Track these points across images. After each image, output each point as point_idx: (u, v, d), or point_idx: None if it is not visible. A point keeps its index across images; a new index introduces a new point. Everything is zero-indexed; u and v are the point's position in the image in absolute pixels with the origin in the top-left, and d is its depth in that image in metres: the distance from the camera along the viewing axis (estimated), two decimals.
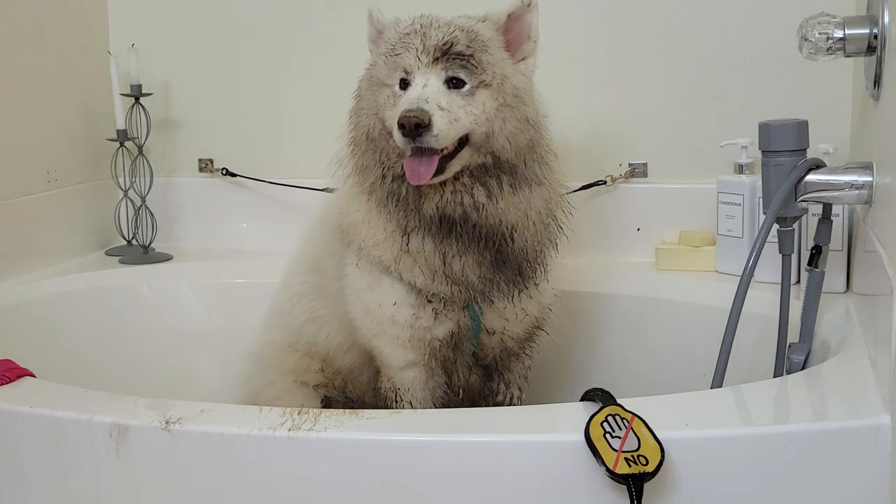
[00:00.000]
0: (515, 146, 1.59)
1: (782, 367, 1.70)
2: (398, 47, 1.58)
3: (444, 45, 1.54)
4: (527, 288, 1.69)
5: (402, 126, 1.47)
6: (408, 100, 1.51)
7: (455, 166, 1.56)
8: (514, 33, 1.64)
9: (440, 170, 1.53)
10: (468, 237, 1.60)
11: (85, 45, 2.60)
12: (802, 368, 1.64)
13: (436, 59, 1.54)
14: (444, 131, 1.49)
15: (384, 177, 1.62)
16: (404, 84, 1.58)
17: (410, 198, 1.60)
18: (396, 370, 1.74)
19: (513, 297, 1.68)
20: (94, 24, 2.65)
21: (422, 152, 1.51)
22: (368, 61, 1.70)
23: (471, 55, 1.55)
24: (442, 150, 1.52)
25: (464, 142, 1.55)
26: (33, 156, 2.38)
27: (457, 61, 1.55)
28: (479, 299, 1.66)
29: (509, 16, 1.62)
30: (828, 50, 1.55)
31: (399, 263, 1.65)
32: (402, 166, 1.57)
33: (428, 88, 1.52)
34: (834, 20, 1.54)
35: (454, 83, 1.55)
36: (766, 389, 1.42)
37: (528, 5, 1.62)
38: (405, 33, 1.59)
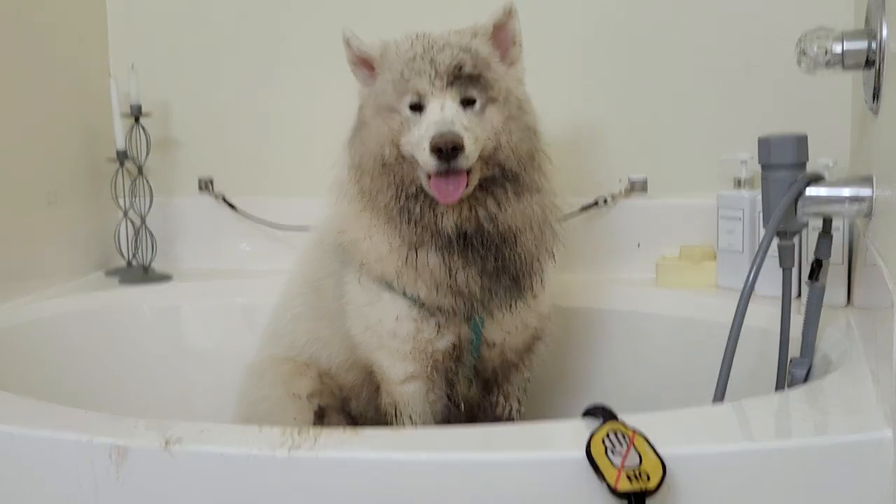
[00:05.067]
0: (518, 155, 1.62)
1: (784, 381, 1.69)
2: (407, 72, 1.59)
3: (455, 69, 1.57)
4: (524, 296, 1.70)
5: (437, 150, 1.49)
6: (434, 123, 1.53)
7: (474, 179, 1.59)
8: (500, 41, 1.68)
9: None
10: (477, 248, 1.63)
11: (85, 66, 2.61)
12: (804, 383, 1.64)
13: (450, 83, 1.57)
14: (472, 151, 1.53)
15: (397, 198, 1.64)
16: (415, 108, 1.59)
17: (425, 216, 1.62)
18: (396, 384, 1.74)
19: (511, 307, 1.69)
20: (94, 45, 2.66)
21: (447, 173, 1.53)
22: (359, 93, 1.73)
23: (479, 75, 1.59)
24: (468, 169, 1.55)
25: None
26: (33, 176, 2.39)
27: (468, 82, 1.58)
28: (480, 310, 1.67)
29: (495, 26, 1.66)
30: (826, 64, 1.55)
31: (402, 278, 1.66)
32: (416, 187, 1.60)
33: (447, 111, 1.55)
34: (832, 34, 1.54)
35: (467, 103, 1.58)
36: (768, 404, 1.42)
37: (510, 12, 1.66)
38: (411, 58, 1.60)
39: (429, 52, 1.59)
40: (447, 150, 1.49)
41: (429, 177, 1.57)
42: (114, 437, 1.35)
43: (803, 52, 1.56)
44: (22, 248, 2.31)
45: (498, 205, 1.62)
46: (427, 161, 1.52)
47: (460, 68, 1.57)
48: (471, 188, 1.58)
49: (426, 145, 1.51)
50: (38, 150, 2.40)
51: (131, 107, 2.54)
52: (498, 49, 1.67)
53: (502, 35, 1.67)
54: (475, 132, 1.55)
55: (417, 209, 1.62)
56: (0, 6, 2.25)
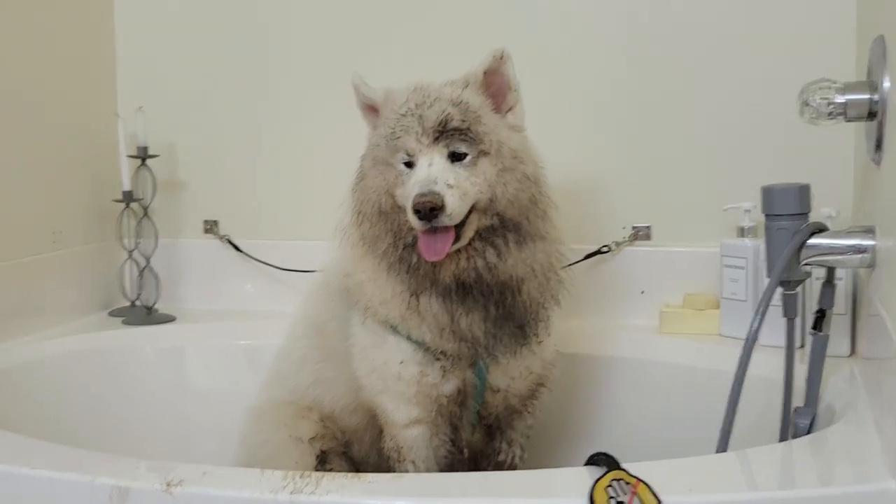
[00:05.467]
0: (518, 205, 1.62)
1: (787, 431, 1.69)
2: (398, 130, 1.61)
3: (439, 125, 1.57)
4: (529, 343, 1.70)
5: (417, 211, 1.50)
6: (418, 182, 1.54)
7: (468, 232, 1.59)
8: (495, 88, 1.66)
9: (455, 238, 1.56)
10: (478, 295, 1.63)
11: (92, 107, 2.63)
12: (808, 433, 1.63)
13: (436, 139, 1.57)
14: (456, 208, 1.53)
15: (395, 245, 1.65)
16: (409, 164, 1.61)
17: (423, 266, 1.62)
18: (400, 427, 1.74)
19: (516, 353, 1.69)
20: (102, 86, 2.69)
21: (435, 229, 1.54)
22: (368, 138, 1.73)
23: (467, 129, 1.58)
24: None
25: (470, 208, 1.58)
26: (39, 216, 2.40)
27: (455, 136, 1.58)
28: (484, 355, 1.67)
29: (485, 73, 1.65)
30: (829, 115, 1.56)
31: (406, 321, 1.67)
32: (413, 238, 1.60)
33: (434, 168, 1.55)
34: (835, 85, 1.56)
35: (456, 157, 1.58)
36: (772, 454, 1.42)
37: (501, 58, 1.64)
38: (402, 114, 1.61)
39: (419, 107, 1.60)
40: (425, 212, 1.50)
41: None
42: (115, 479, 1.36)
43: (806, 103, 1.58)
44: (27, 286, 2.32)
45: (498, 254, 1.62)
46: (412, 220, 1.53)
47: (447, 123, 1.57)
48: (463, 241, 1.59)
49: (410, 205, 1.53)
50: (44, 190, 2.41)
51: (138, 148, 2.56)
52: (491, 97, 1.66)
53: (496, 80, 1.66)
54: (464, 187, 1.55)
55: (415, 258, 1.63)
56: (9, 47, 2.28)
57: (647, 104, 2.34)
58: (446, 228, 1.54)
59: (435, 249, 1.55)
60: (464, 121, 1.58)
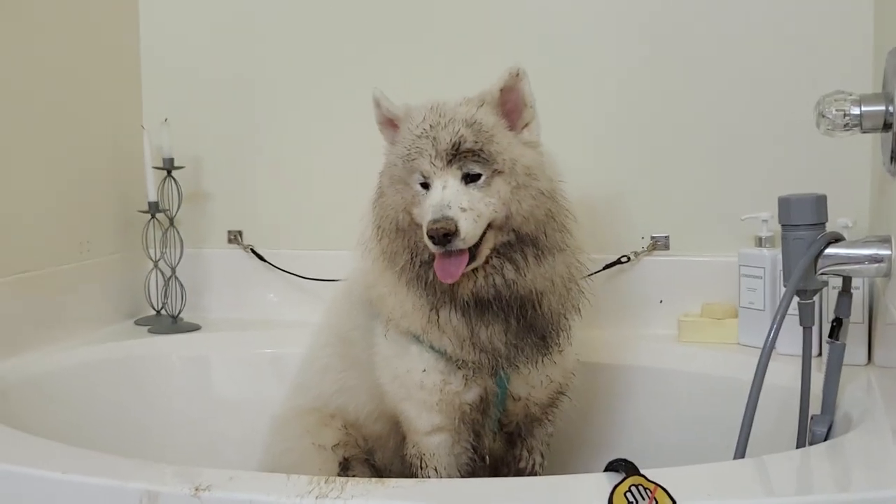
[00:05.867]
0: (534, 220, 1.62)
1: (805, 438, 1.69)
2: (413, 152, 1.62)
3: (453, 147, 1.58)
4: (550, 353, 1.71)
5: (431, 237, 1.52)
6: (432, 206, 1.55)
7: (484, 251, 1.60)
8: (511, 105, 1.67)
9: (471, 258, 1.58)
10: (497, 310, 1.64)
11: (119, 120, 2.67)
12: (825, 440, 1.64)
13: (449, 162, 1.59)
14: (470, 232, 1.54)
15: (412, 262, 1.67)
16: (424, 185, 1.62)
17: (440, 284, 1.63)
18: (423, 435, 1.75)
19: (537, 363, 1.70)
20: (128, 100, 2.73)
21: (450, 252, 1.56)
22: (385, 153, 1.75)
23: (479, 149, 1.59)
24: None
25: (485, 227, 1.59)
26: (67, 227, 2.44)
27: (469, 157, 1.59)
28: (505, 365, 1.69)
29: (501, 90, 1.65)
30: (845, 126, 1.57)
31: (427, 333, 1.69)
32: (430, 255, 1.62)
33: (448, 190, 1.57)
34: (850, 97, 1.57)
35: (470, 178, 1.59)
36: (789, 460, 1.42)
37: (517, 75, 1.65)
38: (417, 135, 1.63)
39: (434, 128, 1.61)
40: (439, 238, 1.52)
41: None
42: (145, 483, 1.38)
43: (822, 115, 1.59)
44: (55, 296, 2.36)
45: (517, 270, 1.63)
46: (427, 243, 1.56)
47: (459, 146, 1.58)
48: (479, 261, 1.60)
49: (425, 229, 1.55)
50: (72, 201, 2.46)
51: (164, 160, 2.59)
52: (507, 114, 1.66)
53: (512, 97, 1.66)
54: (478, 209, 1.56)
55: (431, 275, 1.64)
56: (38, 62, 2.32)
57: (664, 115, 2.36)
58: (460, 251, 1.56)
59: (449, 272, 1.57)
60: (476, 141, 1.59)
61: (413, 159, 1.62)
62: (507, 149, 1.62)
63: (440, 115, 1.63)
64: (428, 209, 1.56)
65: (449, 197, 1.56)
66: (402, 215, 1.66)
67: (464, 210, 1.55)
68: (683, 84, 2.34)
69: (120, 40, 2.70)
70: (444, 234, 1.52)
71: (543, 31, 2.43)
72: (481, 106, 1.65)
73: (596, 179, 2.34)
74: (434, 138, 1.60)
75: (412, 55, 2.52)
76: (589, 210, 2.23)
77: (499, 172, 1.60)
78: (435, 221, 1.52)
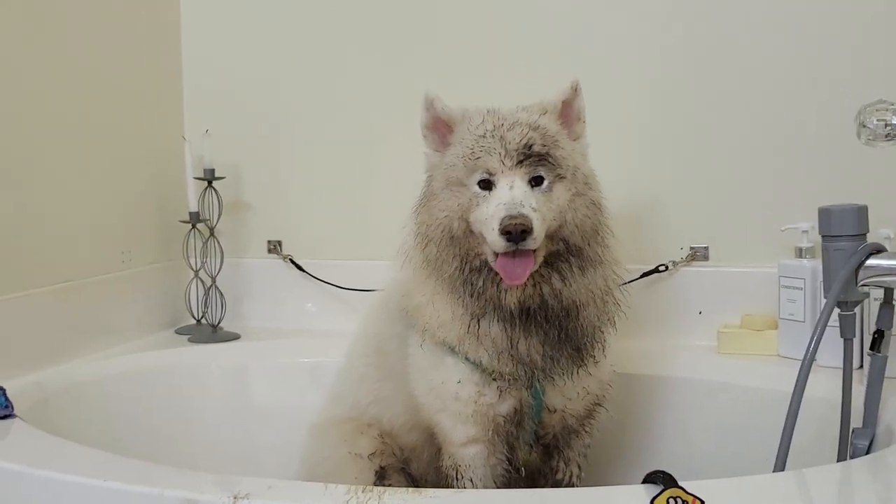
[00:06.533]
0: (582, 231, 1.63)
1: (846, 451, 1.68)
2: (477, 150, 1.60)
3: (524, 147, 1.58)
4: (586, 364, 1.70)
5: (507, 232, 1.50)
6: (503, 204, 1.53)
7: (540, 257, 1.59)
8: (567, 117, 1.69)
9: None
10: (540, 320, 1.64)
11: (160, 131, 2.71)
12: (867, 453, 1.62)
13: (519, 162, 1.58)
14: (539, 232, 1.53)
15: (462, 269, 1.65)
16: (484, 185, 1.60)
17: (488, 290, 1.63)
18: (458, 446, 1.75)
19: (573, 375, 1.69)
20: (170, 111, 2.76)
21: (514, 253, 1.54)
22: (428, 158, 1.73)
23: (547, 153, 1.59)
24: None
25: None
26: (109, 236, 2.47)
27: (537, 161, 1.58)
28: (541, 377, 1.68)
29: (563, 102, 1.68)
30: (886, 136, 1.57)
31: (464, 344, 1.68)
32: (481, 261, 1.62)
33: (516, 191, 1.55)
34: (892, 107, 1.56)
35: (535, 182, 1.59)
36: (830, 473, 1.41)
37: (576, 89, 1.68)
38: (481, 135, 1.62)
39: (499, 129, 1.61)
40: (517, 234, 1.50)
41: (496, 255, 1.57)
42: (184, 491, 1.39)
43: (863, 125, 1.58)
44: (96, 304, 2.39)
45: (563, 280, 1.62)
46: (495, 241, 1.53)
47: (530, 147, 1.58)
48: (536, 266, 1.59)
49: (495, 226, 1.52)
50: (114, 211, 2.49)
51: (204, 170, 2.62)
52: (565, 125, 1.68)
53: (570, 111, 1.69)
54: (543, 212, 1.55)
55: (481, 282, 1.64)
56: (82, 74, 2.36)
57: (704, 125, 2.35)
58: (526, 252, 1.54)
59: (515, 273, 1.55)
60: (544, 145, 1.59)
61: (478, 157, 1.60)
62: (570, 155, 1.64)
63: (502, 118, 1.64)
64: (499, 207, 1.54)
65: (520, 196, 1.54)
66: (456, 222, 1.63)
67: (534, 210, 1.54)
68: (724, 94, 2.33)
69: (162, 54, 2.74)
70: (522, 231, 1.50)
71: (575, 42, 2.44)
72: (544, 114, 1.66)
73: (636, 189, 2.34)
74: (502, 137, 1.60)
75: (449, 66, 2.53)
76: (629, 220, 2.23)
77: (561, 178, 1.60)
78: (512, 217, 1.50)
